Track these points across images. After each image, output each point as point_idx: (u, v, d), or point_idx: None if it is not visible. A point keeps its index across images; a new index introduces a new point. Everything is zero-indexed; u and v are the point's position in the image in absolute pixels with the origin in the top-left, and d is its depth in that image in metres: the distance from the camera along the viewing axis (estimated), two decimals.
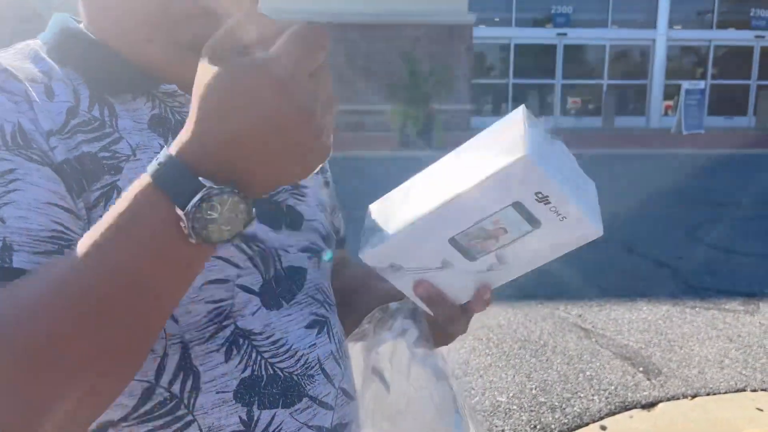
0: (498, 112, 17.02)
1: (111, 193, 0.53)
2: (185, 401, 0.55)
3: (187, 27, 0.56)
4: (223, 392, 0.57)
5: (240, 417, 0.57)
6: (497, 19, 16.24)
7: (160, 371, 0.55)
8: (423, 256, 0.58)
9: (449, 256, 0.58)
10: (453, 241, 0.56)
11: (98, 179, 0.53)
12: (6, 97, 0.52)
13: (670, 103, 17.04)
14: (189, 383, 0.56)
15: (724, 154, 10.83)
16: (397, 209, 0.60)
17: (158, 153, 0.48)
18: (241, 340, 0.58)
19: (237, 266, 0.59)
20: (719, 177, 8.27)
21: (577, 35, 16.58)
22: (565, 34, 16.48)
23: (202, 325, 0.57)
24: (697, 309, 3.43)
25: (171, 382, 0.55)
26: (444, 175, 0.58)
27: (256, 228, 0.62)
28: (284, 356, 0.61)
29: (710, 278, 3.95)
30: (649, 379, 2.65)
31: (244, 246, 0.60)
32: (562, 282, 3.79)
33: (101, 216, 0.45)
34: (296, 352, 0.62)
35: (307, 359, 0.63)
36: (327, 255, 0.70)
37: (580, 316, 3.33)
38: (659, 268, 4.19)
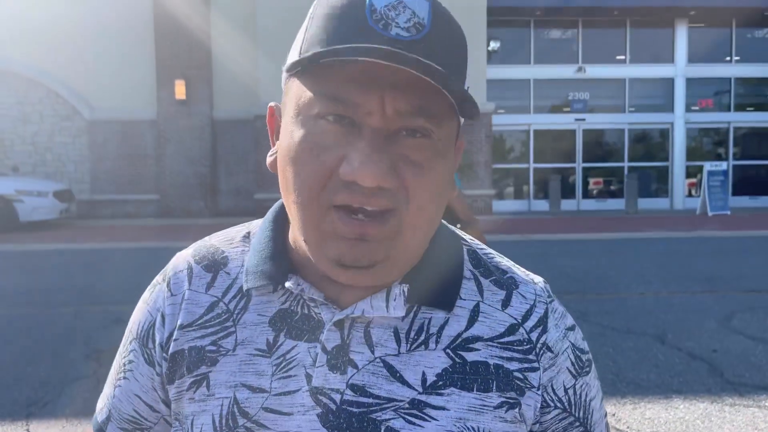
0: (520, 195, 17.15)
1: (202, 382, 0.61)
2: None
3: (333, 244, 0.54)
4: None
5: None
6: (515, 106, 16.68)
7: None
8: None
9: None
10: None
11: (197, 368, 0.61)
12: (165, 292, 0.66)
13: (694, 180, 17.02)
14: None
15: (754, 236, 10.66)
16: None
17: (257, 348, 0.60)
18: None
19: None
20: (751, 261, 8.10)
21: (595, 120, 16.90)
22: (583, 120, 16.81)
23: None
24: (736, 407, 3.29)
25: None
26: None
27: None
28: None
29: (749, 372, 3.80)
30: None
31: None
32: None
33: (191, 399, 0.60)
34: None
35: None
36: None
37: (614, 415, 3.21)
38: (694, 360, 4.05)
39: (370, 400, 0.56)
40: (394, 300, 0.58)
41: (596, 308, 5.45)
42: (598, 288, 6.33)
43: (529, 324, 0.62)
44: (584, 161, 16.98)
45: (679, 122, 16.95)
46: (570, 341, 0.64)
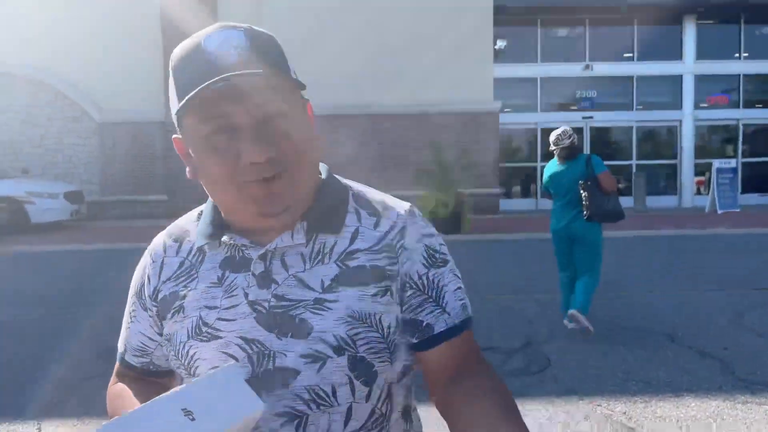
0: (527, 194, 17.11)
1: (179, 310, 0.88)
2: None
3: (254, 205, 0.80)
4: None
5: None
6: (522, 105, 16.64)
7: None
8: None
9: None
10: None
11: (176, 302, 0.88)
12: (150, 259, 0.94)
13: (702, 178, 16.92)
14: None
15: (764, 233, 10.58)
16: None
17: (212, 282, 0.87)
18: None
19: (236, 359, 0.81)
20: (761, 258, 8.04)
21: (603, 118, 16.83)
22: (591, 117, 16.74)
23: None
24: (748, 404, 3.27)
25: None
26: None
27: (263, 334, 0.81)
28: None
29: (761, 370, 3.78)
30: None
31: (246, 346, 0.82)
32: (603, 374, 3.67)
33: (174, 322, 0.87)
34: (258, 429, 0.80)
35: None
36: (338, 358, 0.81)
37: (624, 413, 3.20)
38: (704, 359, 4.03)
39: (288, 303, 0.82)
40: (297, 233, 0.84)
41: (606, 307, 5.43)
42: (608, 286, 6.31)
43: (392, 233, 0.87)
44: None
45: (688, 120, 16.85)
46: (425, 243, 0.88)
